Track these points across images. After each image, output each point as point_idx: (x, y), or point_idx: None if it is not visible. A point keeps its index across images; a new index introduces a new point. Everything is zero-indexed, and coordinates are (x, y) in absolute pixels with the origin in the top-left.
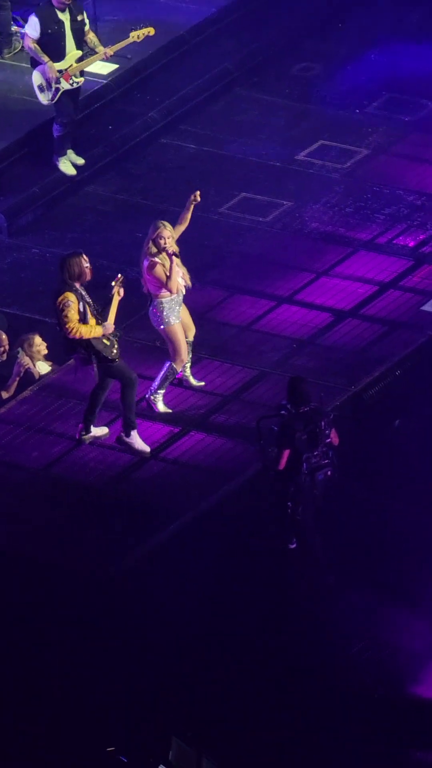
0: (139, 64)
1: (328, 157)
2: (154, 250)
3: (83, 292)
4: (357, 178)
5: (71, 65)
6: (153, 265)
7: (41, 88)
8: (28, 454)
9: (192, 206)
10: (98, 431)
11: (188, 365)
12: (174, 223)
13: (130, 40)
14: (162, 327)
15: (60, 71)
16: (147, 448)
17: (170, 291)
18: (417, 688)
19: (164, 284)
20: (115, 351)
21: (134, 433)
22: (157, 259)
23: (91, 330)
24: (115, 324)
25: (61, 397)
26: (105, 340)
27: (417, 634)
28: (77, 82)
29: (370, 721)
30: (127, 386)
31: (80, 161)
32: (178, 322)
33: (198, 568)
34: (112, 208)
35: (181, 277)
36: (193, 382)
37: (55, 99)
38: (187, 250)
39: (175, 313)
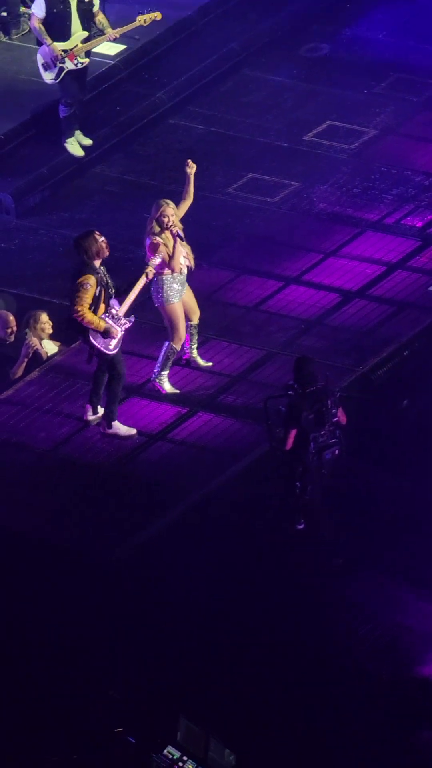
0: (147, 44)
1: (336, 137)
2: (157, 229)
3: (104, 274)
4: (365, 159)
5: (76, 45)
6: (155, 243)
7: (45, 66)
8: (35, 435)
9: (191, 178)
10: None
11: (195, 346)
12: (178, 202)
13: (136, 23)
14: (161, 305)
15: (65, 51)
16: (133, 430)
17: (172, 270)
18: (424, 669)
19: (166, 263)
20: (111, 346)
21: (115, 423)
22: (159, 238)
23: (95, 321)
24: (128, 314)
25: (69, 377)
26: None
27: (425, 615)
28: (82, 63)
29: (378, 703)
30: (114, 379)
31: (88, 142)
32: (178, 302)
33: (205, 549)
34: (120, 188)
35: (184, 257)
36: (201, 362)
37: (59, 78)
38: (195, 231)
39: (175, 292)
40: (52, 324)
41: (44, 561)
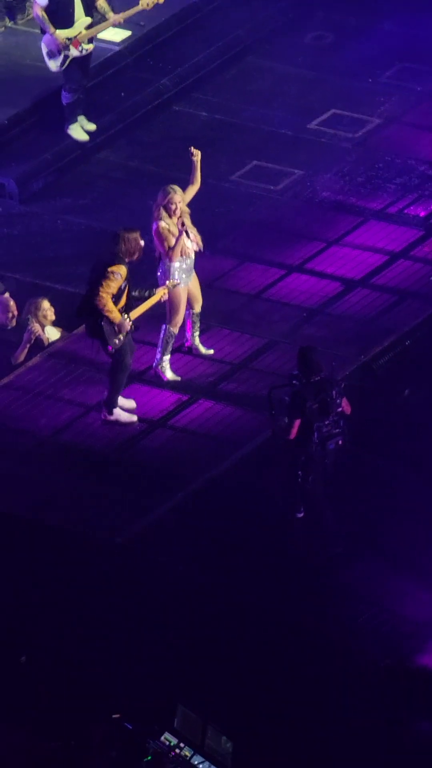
0: (152, 31)
1: (340, 126)
2: (164, 215)
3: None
4: (368, 148)
5: (80, 32)
6: (162, 229)
7: (50, 55)
8: (36, 420)
9: (198, 164)
10: (126, 403)
11: (197, 334)
12: (185, 187)
13: (139, 7)
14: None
15: (69, 38)
16: (134, 417)
17: (180, 254)
18: (424, 657)
19: (171, 249)
20: (117, 341)
21: (116, 410)
22: (165, 224)
23: (114, 311)
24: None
25: (70, 363)
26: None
27: (424, 604)
28: (86, 50)
29: (376, 691)
30: (120, 369)
31: (92, 127)
32: (183, 286)
33: (205, 536)
34: (124, 175)
35: (191, 240)
36: (202, 350)
37: (64, 66)
38: (198, 218)
39: (181, 276)
40: (54, 310)
41: (44, 546)
